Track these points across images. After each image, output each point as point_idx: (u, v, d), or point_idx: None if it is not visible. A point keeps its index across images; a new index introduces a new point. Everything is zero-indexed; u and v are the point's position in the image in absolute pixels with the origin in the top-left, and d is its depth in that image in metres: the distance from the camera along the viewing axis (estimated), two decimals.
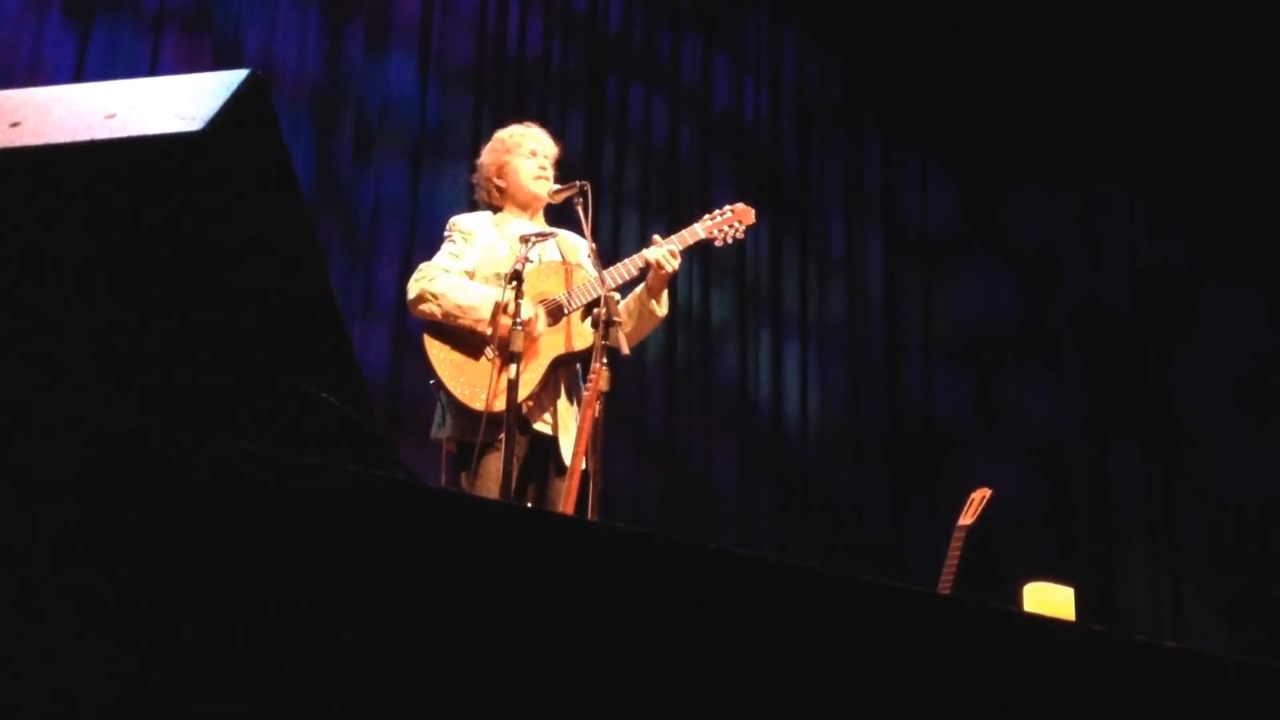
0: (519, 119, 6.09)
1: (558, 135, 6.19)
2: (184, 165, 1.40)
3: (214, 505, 1.16)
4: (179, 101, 1.41)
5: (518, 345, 3.59)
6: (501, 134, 4.20)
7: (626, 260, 3.89)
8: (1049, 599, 4.54)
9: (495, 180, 4.08)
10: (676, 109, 6.70)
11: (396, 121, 5.85)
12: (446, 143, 5.94)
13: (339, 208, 5.67)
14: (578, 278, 3.90)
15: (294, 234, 1.55)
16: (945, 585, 4.69)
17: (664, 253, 3.86)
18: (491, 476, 3.65)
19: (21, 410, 1.10)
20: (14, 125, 1.44)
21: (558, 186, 4.02)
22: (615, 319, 3.65)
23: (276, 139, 1.51)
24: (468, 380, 3.78)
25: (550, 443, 3.84)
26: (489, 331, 3.78)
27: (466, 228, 4.01)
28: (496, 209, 4.10)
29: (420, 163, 5.85)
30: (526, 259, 3.75)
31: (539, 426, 3.81)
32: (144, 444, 1.14)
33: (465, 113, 6.01)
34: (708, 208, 6.58)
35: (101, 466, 1.12)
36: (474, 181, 4.19)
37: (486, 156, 4.14)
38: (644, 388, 6.25)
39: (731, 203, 4.14)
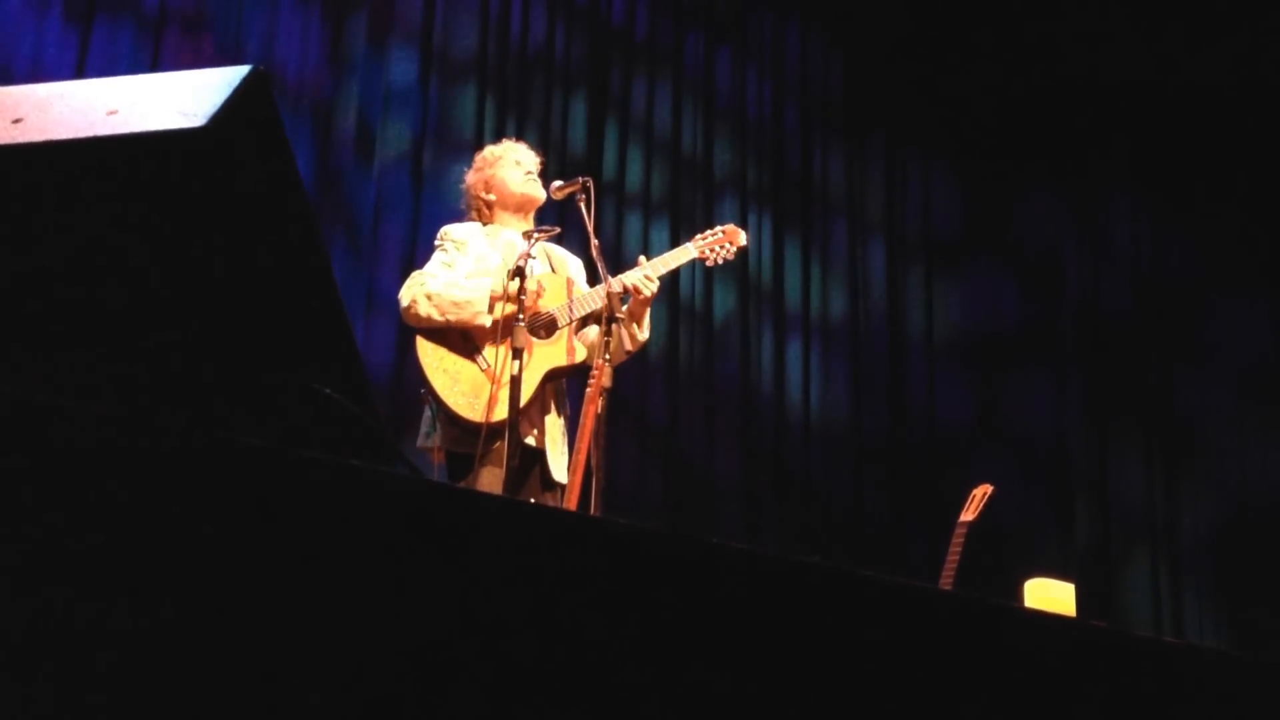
0: (521, 112, 6.15)
1: (561, 128, 6.26)
2: (186, 161, 1.40)
3: (217, 500, 1.16)
4: (181, 97, 1.41)
5: (521, 340, 3.59)
6: (483, 153, 4.23)
7: (598, 287, 3.87)
8: (1050, 595, 4.54)
9: (484, 196, 4.09)
10: (679, 102, 6.70)
11: (398, 115, 5.85)
12: (449, 136, 5.94)
13: (341, 203, 5.68)
14: (575, 293, 3.91)
15: (297, 230, 1.55)
16: (946, 581, 4.69)
17: (640, 277, 3.83)
18: (487, 487, 3.64)
19: (22, 406, 1.10)
20: (16, 122, 1.45)
21: (560, 183, 4.03)
22: (618, 316, 3.66)
23: (279, 134, 1.51)
24: (462, 389, 3.75)
25: (537, 456, 3.83)
26: (488, 323, 3.78)
27: (458, 236, 4.01)
28: (487, 223, 4.11)
29: (422, 157, 5.85)
30: (530, 254, 3.76)
31: (526, 440, 3.79)
32: (146, 439, 1.14)
33: (468, 105, 6.02)
34: (710, 201, 6.68)
35: (103, 461, 1.12)
36: (463, 206, 4.20)
37: (471, 177, 4.16)
38: (646, 384, 6.25)
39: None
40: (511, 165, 4.09)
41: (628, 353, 3.85)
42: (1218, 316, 7.19)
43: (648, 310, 3.91)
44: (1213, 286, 7.22)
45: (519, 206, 4.06)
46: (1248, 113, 7.10)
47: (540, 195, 4.07)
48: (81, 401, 1.14)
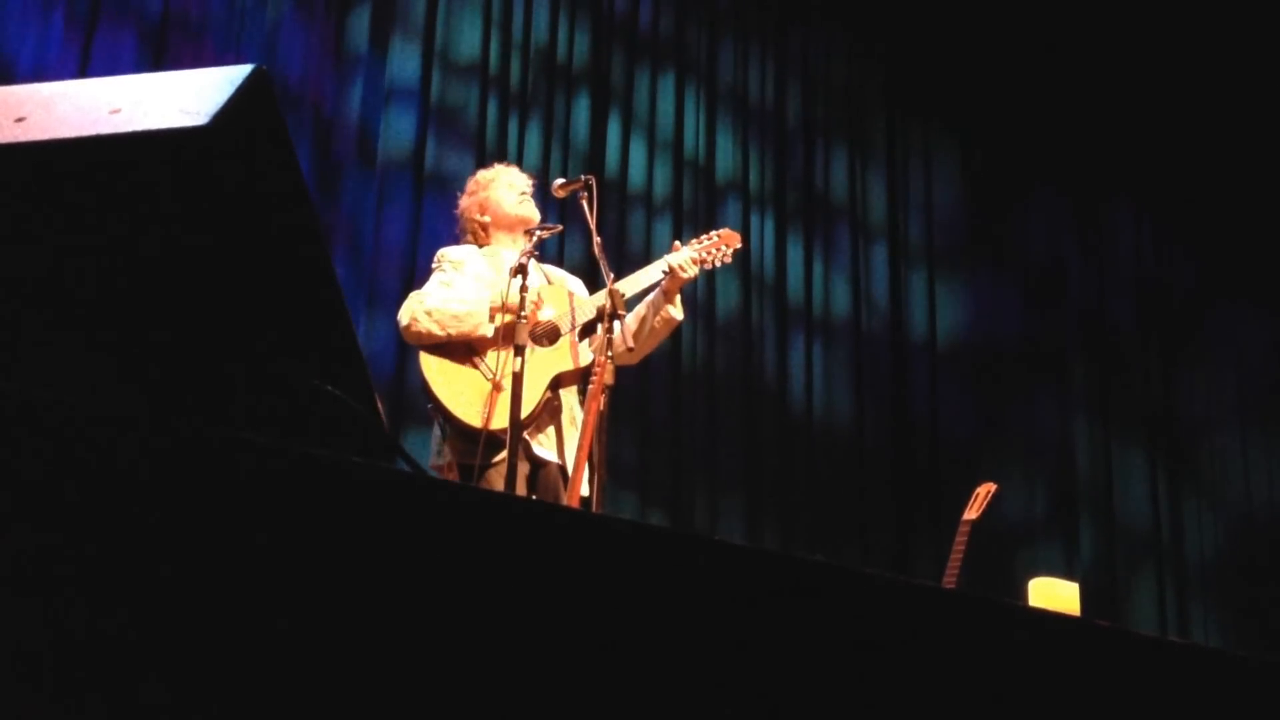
0: (523, 109, 6.15)
1: (564, 124, 6.26)
2: (189, 160, 1.41)
3: (218, 496, 1.16)
4: (184, 96, 1.41)
5: (523, 339, 3.58)
6: (475, 176, 4.24)
7: (649, 266, 3.94)
8: (1054, 594, 4.55)
9: (479, 218, 4.10)
10: (682, 99, 6.69)
11: (400, 114, 5.85)
12: (451, 135, 5.94)
13: (343, 202, 5.68)
14: (575, 301, 3.92)
15: (299, 228, 1.55)
16: (950, 579, 4.69)
17: (686, 258, 3.93)
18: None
19: (23, 403, 1.10)
20: (19, 120, 1.45)
21: (562, 181, 4.04)
22: (620, 313, 3.66)
23: (281, 133, 1.51)
24: (469, 399, 3.75)
25: (551, 468, 3.81)
26: (490, 333, 3.78)
27: (455, 257, 4.01)
28: (484, 245, 4.12)
29: (424, 155, 5.85)
30: (533, 252, 3.76)
31: (539, 451, 3.78)
32: (149, 436, 1.14)
33: (470, 103, 6.02)
34: (713, 197, 6.68)
35: (106, 458, 1.13)
36: (458, 231, 4.21)
37: (465, 201, 4.17)
38: (649, 382, 6.24)
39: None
40: (505, 187, 4.11)
41: (629, 345, 3.80)
42: (1221, 326, 7.19)
43: (680, 291, 3.97)
44: (1215, 296, 7.21)
45: (513, 228, 4.07)
46: (1251, 121, 7.09)
47: (535, 217, 4.09)
48: (84, 398, 1.14)
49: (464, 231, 4.16)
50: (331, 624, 1.18)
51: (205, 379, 1.53)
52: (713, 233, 4.11)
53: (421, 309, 3.82)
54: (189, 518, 1.14)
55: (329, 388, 1.54)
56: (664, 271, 3.92)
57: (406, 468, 1.89)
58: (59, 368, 1.48)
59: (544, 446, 3.81)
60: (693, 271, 3.93)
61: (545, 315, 3.87)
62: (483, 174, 4.21)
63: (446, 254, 4.05)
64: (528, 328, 3.64)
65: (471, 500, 1.34)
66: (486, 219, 4.09)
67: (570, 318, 3.87)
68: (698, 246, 4.04)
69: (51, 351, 1.48)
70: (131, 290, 1.48)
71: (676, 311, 3.96)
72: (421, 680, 1.20)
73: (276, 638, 1.15)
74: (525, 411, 3.61)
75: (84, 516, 1.11)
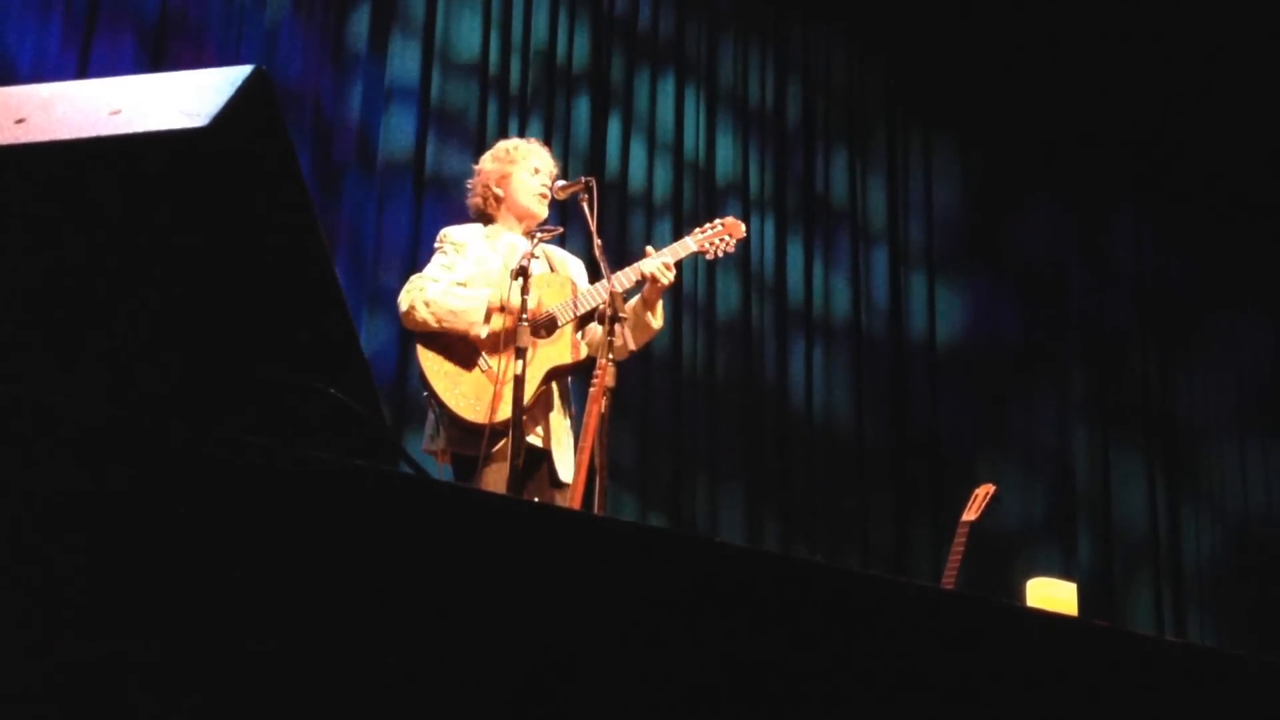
0: (523, 109, 6.15)
1: (564, 124, 6.27)
2: (189, 161, 1.41)
3: (218, 499, 1.16)
4: (184, 97, 1.41)
5: (524, 340, 3.58)
6: (506, 144, 4.19)
7: (621, 272, 3.86)
8: (1052, 595, 4.55)
9: (493, 188, 4.07)
10: (682, 99, 6.70)
11: (400, 113, 5.85)
12: (451, 134, 5.94)
13: (343, 202, 5.68)
14: (576, 293, 3.91)
15: (299, 229, 1.55)
16: (949, 580, 4.69)
17: (659, 265, 3.85)
18: (491, 487, 3.64)
19: (25, 405, 1.11)
20: (18, 122, 1.45)
21: (563, 182, 4.02)
22: (621, 315, 3.66)
23: (281, 134, 1.51)
24: (463, 391, 3.75)
25: (543, 456, 3.83)
26: (484, 335, 3.78)
27: (458, 239, 3.99)
28: (488, 220, 4.09)
29: (424, 155, 5.85)
30: (533, 254, 3.76)
31: (531, 440, 3.78)
32: (148, 437, 1.14)
33: (471, 103, 6.02)
34: (713, 198, 6.68)
35: (106, 461, 1.13)
36: (468, 185, 4.17)
37: (489, 164, 4.12)
38: (650, 383, 6.25)
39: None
40: (528, 172, 4.06)
41: (630, 347, 3.81)
42: (1220, 331, 7.19)
43: (661, 298, 3.91)
44: (1214, 301, 7.21)
45: (520, 216, 4.05)
46: (1250, 125, 7.09)
47: (543, 215, 4.07)
48: (85, 401, 1.14)
49: (472, 191, 4.13)
50: (333, 628, 1.18)
51: (205, 381, 1.53)
52: (716, 221, 4.09)
53: (421, 298, 3.82)
54: (187, 521, 1.14)
55: (330, 389, 1.54)
56: (635, 279, 3.84)
57: (409, 470, 1.89)
58: (58, 369, 1.48)
59: (535, 435, 3.83)
60: (667, 279, 3.84)
61: (544, 305, 3.86)
62: (515, 146, 4.15)
63: (449, 234, 4.03)
64: (528, 329, 3.64)
65: (475, 504, 1.34)
66: (500, 193, 4.07)
67: (571, 308, 3.86)
68: (700, 236, 4.03)
69: (51, 353, 1.48)
70: (130, 292, 1.48)
71: (655, 320, 3.90)
72: (426, 682, 1.20)
73: (276, 641, 1.15)
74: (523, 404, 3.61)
75: (82, 518, 1.11)
